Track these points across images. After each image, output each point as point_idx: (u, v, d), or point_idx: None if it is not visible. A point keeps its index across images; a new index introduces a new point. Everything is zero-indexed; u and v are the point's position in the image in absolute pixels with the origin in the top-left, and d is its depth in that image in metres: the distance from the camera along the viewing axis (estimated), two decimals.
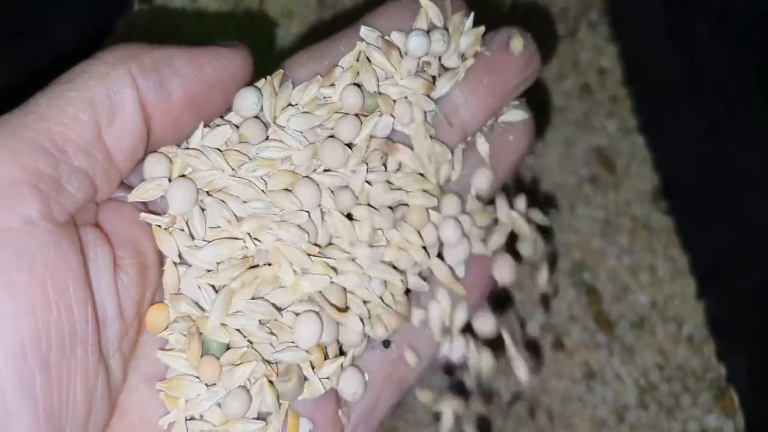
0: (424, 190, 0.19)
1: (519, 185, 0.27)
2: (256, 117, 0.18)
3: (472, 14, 0.20)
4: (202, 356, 0.17)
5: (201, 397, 0.16)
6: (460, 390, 0.25)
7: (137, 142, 0.16)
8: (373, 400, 0.19)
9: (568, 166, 0.39)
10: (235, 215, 0.17)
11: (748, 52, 0.32)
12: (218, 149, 0.18)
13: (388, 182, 0.18)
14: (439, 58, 0.20)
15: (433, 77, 0.19)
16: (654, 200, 0.39)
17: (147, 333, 0.17)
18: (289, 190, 0.17)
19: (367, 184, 0.18)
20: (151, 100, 0.16)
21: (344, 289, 0.18)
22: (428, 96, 0.19)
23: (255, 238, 0.17)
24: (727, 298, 0.35)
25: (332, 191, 0.18)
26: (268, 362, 0.17)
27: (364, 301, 0.18)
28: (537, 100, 0.41)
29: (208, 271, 0.17)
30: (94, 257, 0.16)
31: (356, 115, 0.18)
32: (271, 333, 0.17)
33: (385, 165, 0.19)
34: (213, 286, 0.17)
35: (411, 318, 0.19)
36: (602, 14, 0.44)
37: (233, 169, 0.17)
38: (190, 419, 0.17)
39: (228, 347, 0.17)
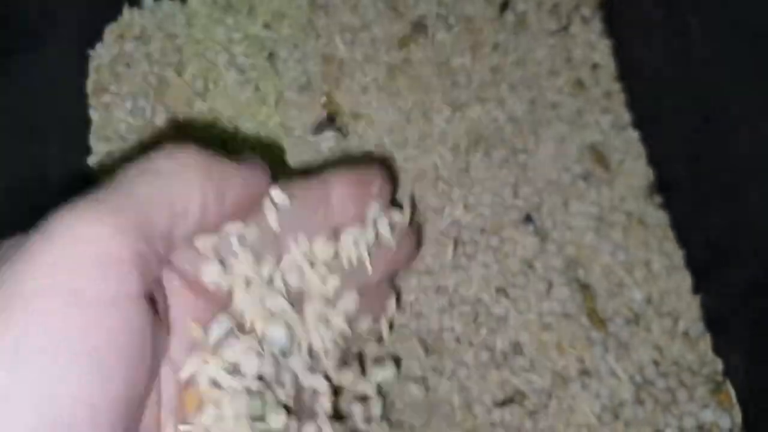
0: None
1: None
2: None
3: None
4: None
5: None
6: None
7: (190, 233, 0.19)
8: None
9: (561, 162, 0.39)
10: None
11: (741, 47, 0.32)
12: None
13: None
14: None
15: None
16: (648, 195, 0.38)
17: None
18: None
19: None
20: (210, 206, 0.18)
21: None
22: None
23: None
24: (723, 292, 0.35)
25: None
26: None
27: None
28: (530, 96, 0.41)
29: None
30: (161, 335, 0.18)
31: None
32: None
33: None
34: None
35: None
36: (595, 9, 0.44)
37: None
38: None
39: None
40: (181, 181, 0.18)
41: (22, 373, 0.14)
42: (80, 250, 0.15)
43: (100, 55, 0.40)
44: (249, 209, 0.20)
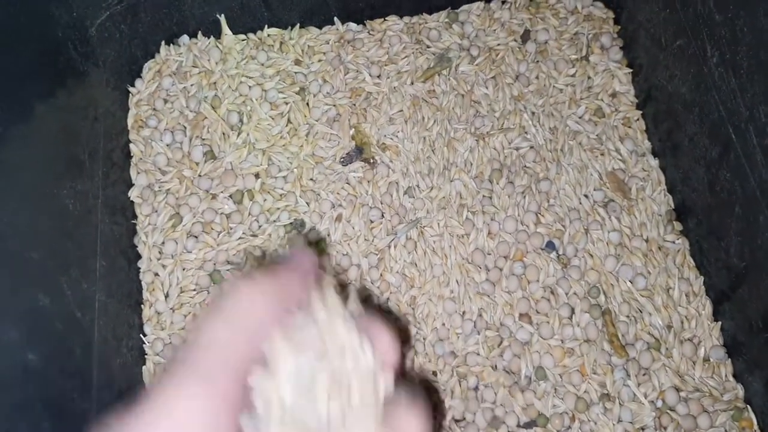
0: None
1: None
2: None
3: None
4: None
5: None
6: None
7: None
8: None
9: (582, 190, 0.40)
10: None
11: (760, 77, 0.33)
12: None
13: None
14: None
15: None
16: (668, 222, 0.39)
17: None
18: None
19: None
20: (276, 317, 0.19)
21: None
22: None
23: None
24: (744, 318, 0.35)
25: None
26: None
27: None
28: (551, 125, 0.42)
29: None
30: None
31: None
32: None
33: None
34: None
35: None
36: (614, 38, 0.45)
37: None
38: None
39: None
40: (255, 318, 0.19)
41: None
42: (181, 426, 0.17)
43: (140, 90, 0.42)
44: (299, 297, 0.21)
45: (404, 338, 0.35)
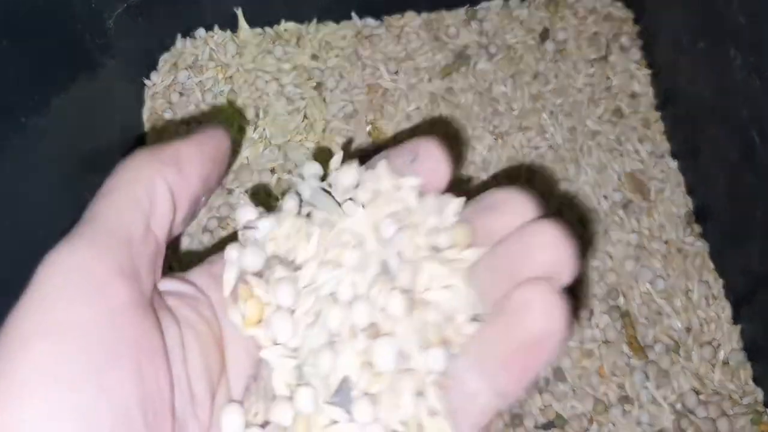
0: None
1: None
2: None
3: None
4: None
5: None
6: None
7: (170, 221, 0.19)
8: None
9: (601, 190, 0.40)
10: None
11: None
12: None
13: None
14: None
15: None
16: (688, 224, 0.39)
17: (218, 405, 0.19)
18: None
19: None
20: (176, 186, 0.19)
21: None
22: None
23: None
24: (764, 322, 0.35)
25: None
26: None
27: None
28: (570, 124, 0.42)
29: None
30: (168, 335, 0.18)
31: None
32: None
33: None
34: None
35: None
36: (634, 39, 0.44)
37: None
38: None
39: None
40: (136, 180, 0.18)
41: (32, 409, 0.15)
42: (65, 284, 0.16)
43: (155, 83, 0.42)
44: (218, 172, 0.21)
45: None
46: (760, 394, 0.35)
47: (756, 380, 0.35)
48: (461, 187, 0.40)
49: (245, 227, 0.21)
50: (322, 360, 0.19)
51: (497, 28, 0.44)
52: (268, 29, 0.43)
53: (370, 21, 0.44)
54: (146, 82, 0.42)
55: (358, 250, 0.20)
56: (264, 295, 0.20)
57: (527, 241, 0.19)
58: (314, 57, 0.43)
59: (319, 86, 0.42)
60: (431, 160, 0.21)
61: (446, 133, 0.41)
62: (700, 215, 0.39)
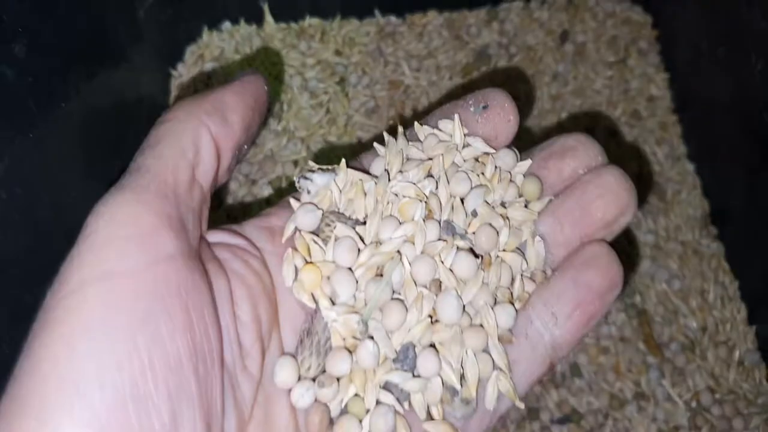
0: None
1: None
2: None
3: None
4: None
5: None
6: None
7: (215, 170, 0.19)
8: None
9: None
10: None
11: None
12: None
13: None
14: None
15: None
16: (704, 226, 0.40)
17: (270, 356, 0.19)
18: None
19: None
20: (220, 135, 0.19)
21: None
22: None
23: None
24: None
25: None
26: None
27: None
28: (587, 125, 0.42)
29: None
30: (217, 287, 0.18)
31: None
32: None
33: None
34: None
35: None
36: (652, 43, 0.45)
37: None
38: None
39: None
40: (181, 131, 0.18)
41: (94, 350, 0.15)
42: (114, 234, 0.16)
43: (181, 74, 0.42)
44: (259, 119, 0.20)
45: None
46: None
47: None
48: None
49: (302, 177, 0.21)
50: (388, 317, 0.19)
51: (517, 29, 0.45)
52: (292, 24, 0.44)
53: (393, 19, 0.45)
54: (173, 72, 0.42)
55: (422, 206, 0.20)
56: (321, 255, 0.20)
57: (593, 189, 0.20)
58: (338, 53, 0.43)
59: (342, 81, 0.42)
60: (500, 110, 0.21)
61: None
62: (716, 217, 0.40)
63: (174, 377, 0.16)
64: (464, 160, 0.21)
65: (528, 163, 0.21)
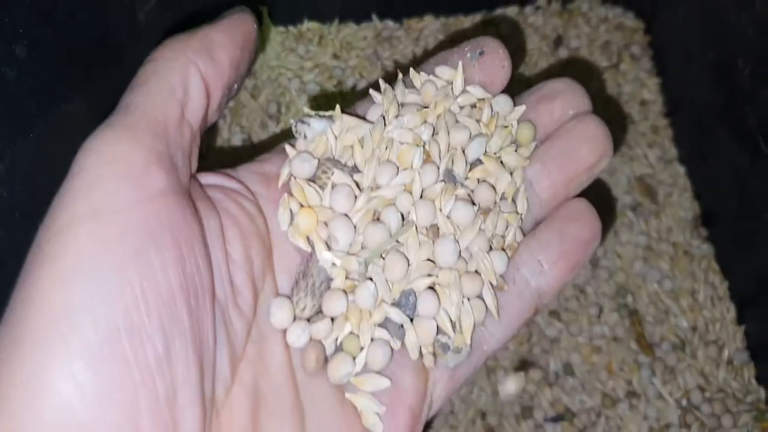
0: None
1: None
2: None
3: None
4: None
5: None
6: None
7: (205, 109, 0.19)
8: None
9: (611, 193, 0.41)
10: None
11: None
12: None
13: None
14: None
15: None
16: (694, 228, 0.40)
17: (264, 296, 0.20)
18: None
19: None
20: (209, 73, 0.19)
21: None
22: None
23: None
24: (767, 322, 0.36)
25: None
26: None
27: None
28: None
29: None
30: (208, 225, 0.19)
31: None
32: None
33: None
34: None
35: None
36: (644, 48, 0.46)
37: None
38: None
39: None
40: (170, 69, 0.18)
41: (92, 288, 0.15)
42: (104, 171, 0.16)
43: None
44: (247, 58, 0.20)
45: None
46: (762, 393, 0.36)
47: (759, 379, 0.36)
48: None
49: (299, 122, 0.21)
50: (390, 269, 0.20)
51: (512, 34, 0.45)
52: (291, 28, 0.44)
53: (390, 23, 0.45)
54: None
55: (419, 152, 0.21)
56: (318, 200, 0.20)
57: (577, 136, 0.22)
58: (335, 56, 0.44)
59: (339, 84, 0.43)
60: (495, 56, 0.22)
61: None
62: (707, 219, 0.40)
63: (166, 309, 0.16)
64: (461, 107, 0.22)
65: (522, 108, 0.22)
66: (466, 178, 0.21)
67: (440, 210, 0.20)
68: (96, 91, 0.36)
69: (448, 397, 0.22)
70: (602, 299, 0.38)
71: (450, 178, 0.21)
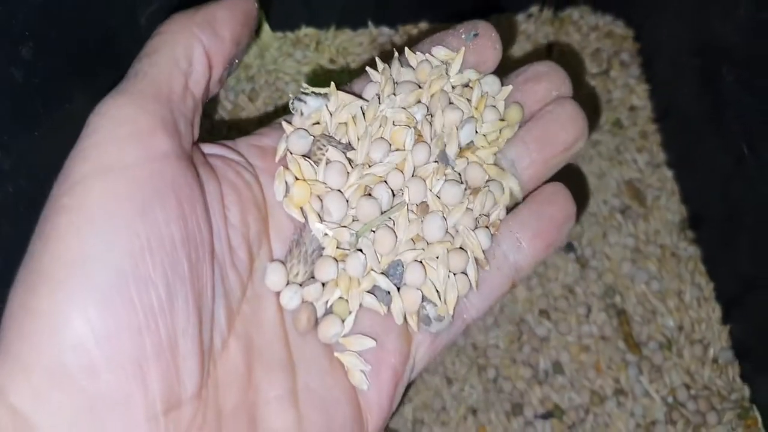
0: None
1: None
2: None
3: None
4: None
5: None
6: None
7: (207, 81, 0.20)
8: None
9: (600, 196, 0.42)
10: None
11: None
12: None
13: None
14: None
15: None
16: (681, 230, 0.41)
17: (259, 261, 0.21)
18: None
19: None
20: (211, 48, 0.20)
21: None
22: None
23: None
24: (751, 323, 0.37)
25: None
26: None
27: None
28: None
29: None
30: (208, 188, 0.20)
31: None
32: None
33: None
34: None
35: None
36: (634, 55, 0.47)
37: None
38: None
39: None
40: (175, 42, 0.20)
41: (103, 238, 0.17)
42: (113, 132, 0.18)
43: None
44: (248, 34, 0.21)
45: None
46: (746, 391, 0.36)
47: (743, 377, 0.37)
48: None
49: (296, 99, 0.22)
50: (381, 244, 0.21)
51: (505, 41, 0.47)
52: (288, 33, 0.45)
53: (386, 30, 0.46)
54: None
55: (412, 132, 0.22)
56: (312, 174, 0.21)
57: (556, 117, 0.24)
58: (332, 61, 0.45)
59: None
60: (488, 38, 0.24)
61: None
62: (694, 222, 0.41)
63: (169, 259, 0.18)
64: (453, 87, 0.23)
65: (509, 88, 0.24)
66: (458, 158, 0.22)
67: (430, 189, 0.22)
68: (99, 92, 0.36)
69: (429, 360, 0.23)
70: (591, 299, 0.39)
71: (443, 159, 0.22)
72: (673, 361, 0.37)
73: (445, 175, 0.22)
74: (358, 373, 0.21)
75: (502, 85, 0.24)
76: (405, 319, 0.22)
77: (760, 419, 0.35)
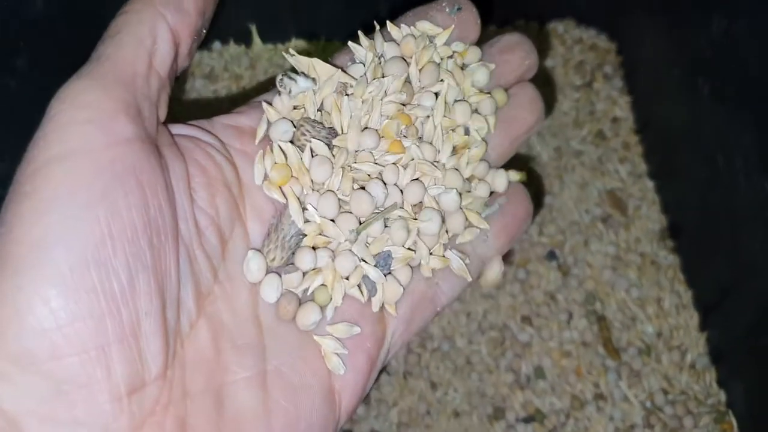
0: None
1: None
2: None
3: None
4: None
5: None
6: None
7: (173, 58, 0.20)
8: (411, 312, 0.24)
9: (582, 205, 0.43)
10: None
11: (745, 108, 0.36)
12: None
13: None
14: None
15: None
16: (661, 239, 0.42)
17: (233, 242, 0.21)
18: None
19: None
20: (177, 23, 0.20)
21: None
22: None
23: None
24: (728, 329, 0.38)
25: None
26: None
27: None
28: (555, 144, 0.45)
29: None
30: (173, 170, 0.20)
31: None
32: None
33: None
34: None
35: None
36: (616, 68, 0.48)
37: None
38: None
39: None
40: (138, 21, 0.19)
41: (59, 220, 0.17)
42: (76, 117, 0.18)
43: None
44: (213, 3, 0.21)
45: None
46: (723, 396, 0.37)
47: (720, 383, 0.38)
48: None
49: (284, 76, 0.22)
50: (375, 244, 0.22)
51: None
52: (279, 45, 0.46)
53: None
54: None
55: (398, 123, 0.22)
56: (295, 159, 0.21)
57: (520, 101, 0.26)
58: None
59: None
60: (470, 12, 0.25)
61: None
62: (674, 231, 0.42)
63: (130, 246, 0.18)
64: (441, 58, 0.23)
65: (493, 66, 0.25)
66: (450, 157, 0.23)
67: (427, 192, 0.23)
68: None
69: (403, 345, 0.24)
70: (572, 306, 0.40)
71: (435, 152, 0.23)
72: (652, 366, 0.38)
73: (438, 181, 0.23)
74: (334, 357, 0.21)
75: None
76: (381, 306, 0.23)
77: (735, 423, 0.36)
